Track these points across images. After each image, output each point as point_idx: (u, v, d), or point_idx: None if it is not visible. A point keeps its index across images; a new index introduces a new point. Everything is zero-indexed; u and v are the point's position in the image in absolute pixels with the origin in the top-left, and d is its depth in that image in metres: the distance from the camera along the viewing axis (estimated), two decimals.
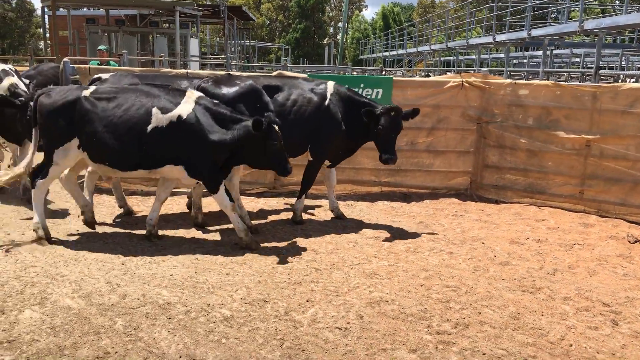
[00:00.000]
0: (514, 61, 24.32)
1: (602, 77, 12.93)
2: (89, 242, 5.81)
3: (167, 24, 21.36)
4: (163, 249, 5.71)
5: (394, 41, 35.08)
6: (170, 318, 4.16)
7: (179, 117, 5.53)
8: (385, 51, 36.71)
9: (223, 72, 7.63)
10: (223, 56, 18.37)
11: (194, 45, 20.14)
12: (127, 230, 6.28)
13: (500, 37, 17.10)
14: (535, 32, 14.35)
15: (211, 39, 37.98)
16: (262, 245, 5.90)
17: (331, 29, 67.54)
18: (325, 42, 61.99)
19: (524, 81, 8.70)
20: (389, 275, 5.17)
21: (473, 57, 26.35)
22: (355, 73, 24.59)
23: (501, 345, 3.95)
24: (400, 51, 32.15)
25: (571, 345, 3.99)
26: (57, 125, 5.55)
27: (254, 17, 32.42)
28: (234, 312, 4.29)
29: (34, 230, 5.69)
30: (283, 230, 6.56)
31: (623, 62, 20.21)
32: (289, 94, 6.48)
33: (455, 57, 22.14)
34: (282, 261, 5.44)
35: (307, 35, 59.69)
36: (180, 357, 3.66)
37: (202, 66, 19.58)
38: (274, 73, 8.09)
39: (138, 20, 20.35)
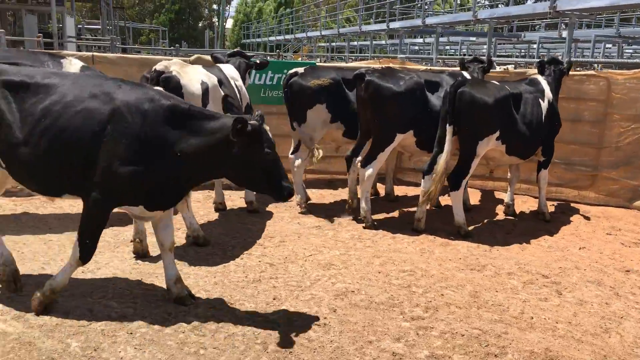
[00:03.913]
0: (403, 48, 25.36)
1: None
2: None
3: (35, 0, 19.00)
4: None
5: (279, 26, 34.88)
6: (131, 333, 3.72)
7: (549, 100, 6.50)
8: (271, 35, 36.34)
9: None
10: (106, 37, 16.82)
11: (70, 25, 18.17)
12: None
13: (394, 25, 17.70)
14: (430, 20, 15.01)
15: (77, 19, 34.65)
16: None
17: (206, 11, 64.92)
18: (200, 24, 59.54)
19: (439, 68, 9.09)
20: (345, 265, 5.13)
21: (353, 43, 26.93)
22: None
23: (473, 325, 4.10)
24: (288, 36, 32.02)
25: (532, 318, 4.27)
26: (487, 118, 5.97)
27: None
28: (201, 319, 3.95)
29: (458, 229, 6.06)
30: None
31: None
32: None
33: (346, 43, 22.52)
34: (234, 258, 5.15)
35: (181, 16, 56.88)
36: None
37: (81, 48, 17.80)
38: (192, 57, 7.53)
39: None
